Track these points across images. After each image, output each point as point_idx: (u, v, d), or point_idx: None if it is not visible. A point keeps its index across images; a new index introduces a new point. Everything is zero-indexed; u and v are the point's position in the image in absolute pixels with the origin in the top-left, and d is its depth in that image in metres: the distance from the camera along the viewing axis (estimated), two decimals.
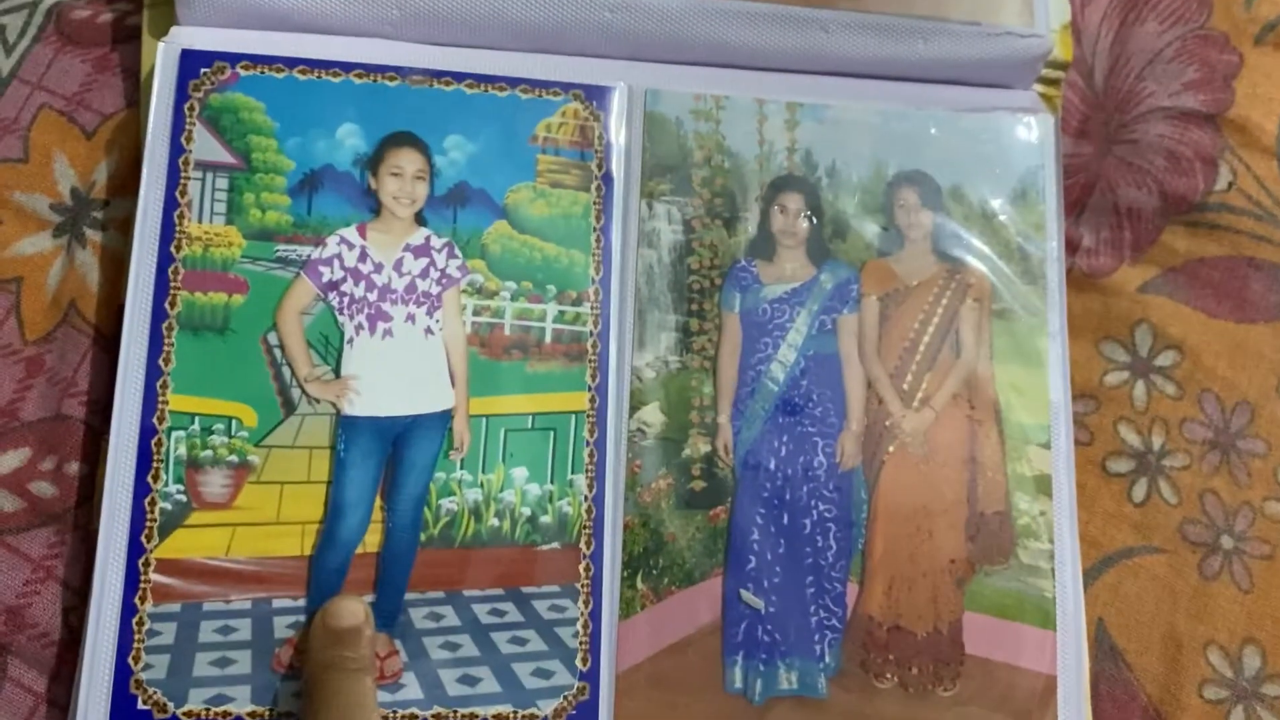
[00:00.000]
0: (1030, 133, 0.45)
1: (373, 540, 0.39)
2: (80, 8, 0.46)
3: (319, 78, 0.41)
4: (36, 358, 0.42)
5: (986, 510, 0.42)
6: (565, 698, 0.39)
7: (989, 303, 0.44)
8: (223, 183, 0.40)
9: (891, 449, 0.42)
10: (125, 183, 0.43)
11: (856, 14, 0.44)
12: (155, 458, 0.38)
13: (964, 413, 0.43)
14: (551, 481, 0.40)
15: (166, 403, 0.39)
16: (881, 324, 0.43)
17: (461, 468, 0.40)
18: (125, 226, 0.43)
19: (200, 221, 0.40)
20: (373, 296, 0.40)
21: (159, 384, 0.39)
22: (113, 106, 0.44)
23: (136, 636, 0.37)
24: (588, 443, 0.41)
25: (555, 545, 0.40)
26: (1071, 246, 0.48)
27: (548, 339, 0.41)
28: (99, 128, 0.44)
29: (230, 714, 0.37)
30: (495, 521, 0.40)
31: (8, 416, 0.41)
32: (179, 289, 0.39)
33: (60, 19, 0.45)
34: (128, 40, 0.45)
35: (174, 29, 0.42)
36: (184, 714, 0.37)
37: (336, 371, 0.40)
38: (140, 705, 0.37)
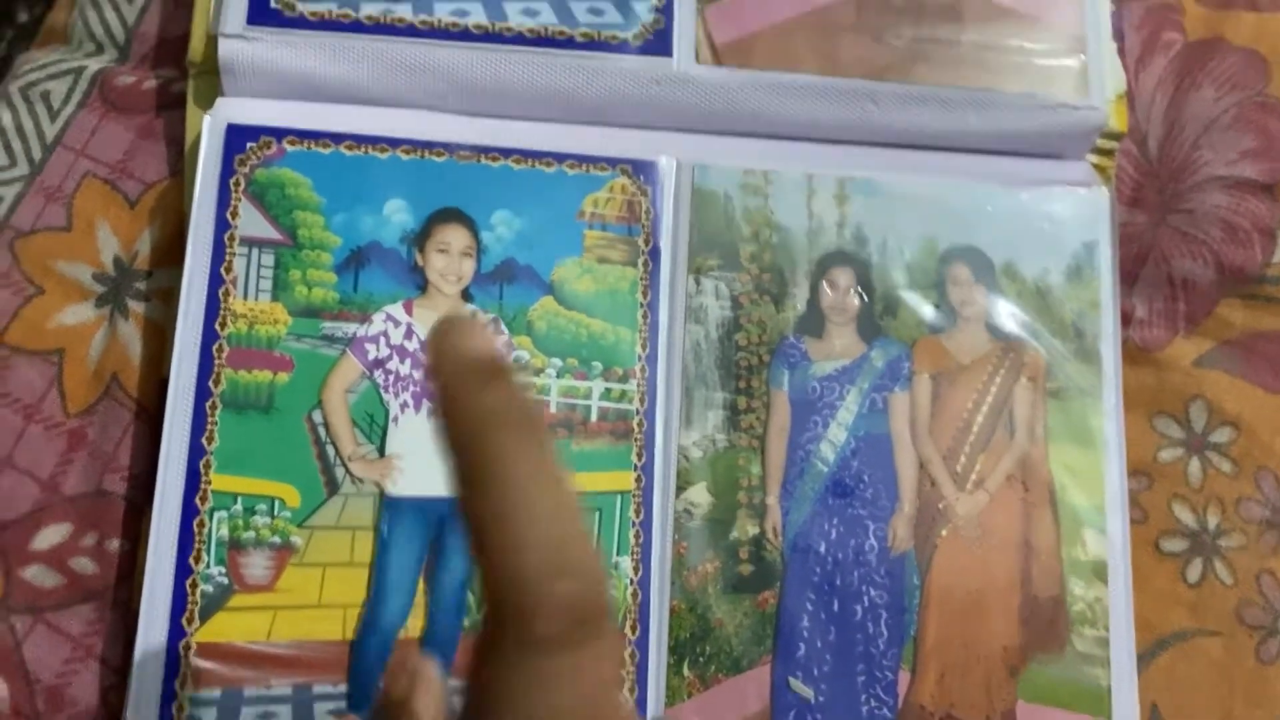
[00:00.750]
0: (1085, 208, 0.44)
1: (415, 625, 0.38)
2: (125, 74, 0.46)
3: (366, 153, 0.41)
4: (78, 431, 0.41)
5: (1041, 596, 0.41)
6: None
7: (1043, 382, 0.43)
8: (268, 259, 0.40)
9: (944, 533, 0.41)
10: (169, 253, 0.43)
11: (906, 86, 0.44)
12: (197, 539, 0.38)
13: (1018, 495, 0.42)
14: None
15: (209, 483, 0.38)
16: (934, 403, 0.42)
17: None
18: (168, 297, 0.42)
19: (245, 298, 0.40)
20: (418, 374, 0.40)
21: (202, 463, 0.38)
22: (156, 174, 0.44)
23: None
24: (633, 524, 0.40)
25: None
26: (1124, 318, 0.47)
27: (593, 417, 0.41)
28: (142, 196, 0.44)
29: None
30: None
31: (49, 491, 0.41)
32: (223, 367, 0.39)
33: (105, 85, 0.45)
34: (172, 107, 0.45)
35: (219, 101, 0.42)
36: None
37: (381, 450, 0.39)
38: None
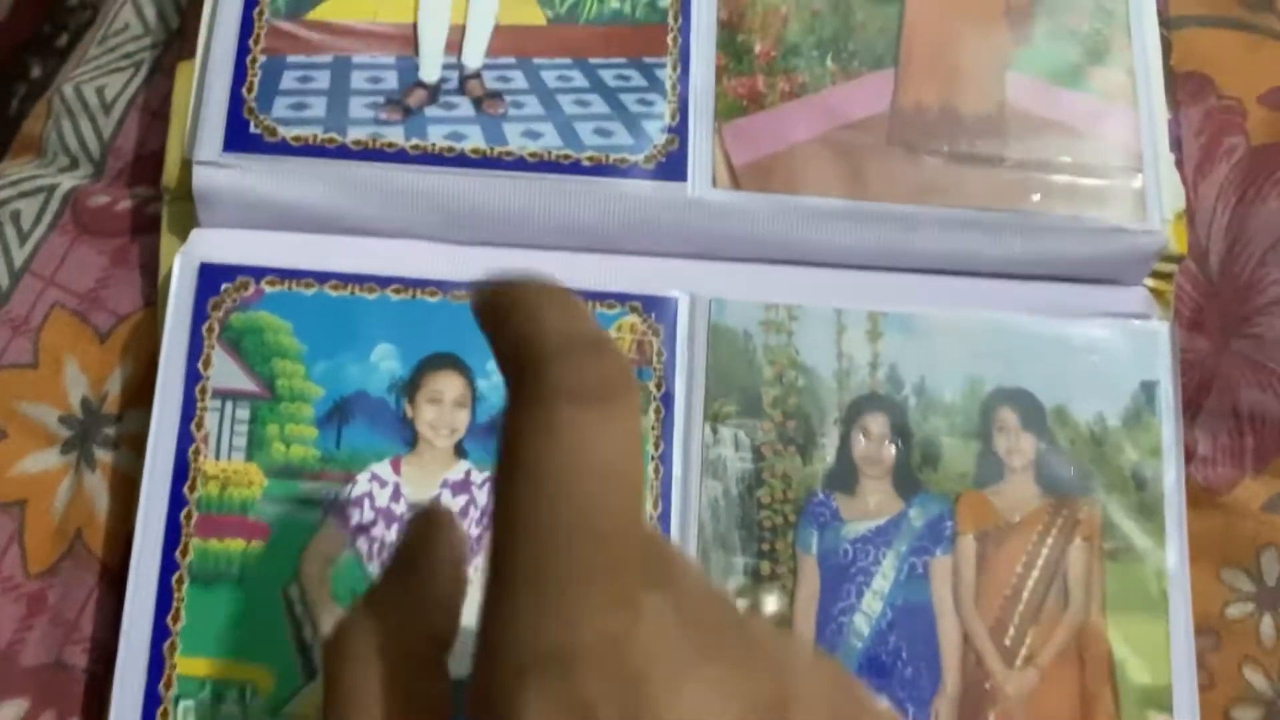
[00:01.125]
0: (1144, 342, 0.40)
1: None
2: (99, 193, 0.42)
3: (353, 293, 0.37)
4: (39, 594, 0.38)
5: None
6: None
7: (1099, 541, 0.38)
8: (243, 413, 0.36)
9: (992, 716, 0.37)
10: (140, 392, 0.40)
11: (945, 210, 0.40)
12: None
13: (1073, 673, 0.37)
14: None
15: (174, 667, 0.35)
16: (979, 567, 0.38)
17: None
18: (138, 444, 0.39)
19: (218, 458, 0.36)
20: None
21: (166, 646, 0.35)
22: (129, 306, 0.41)
23: None
24: None
25: None
26: (1186, 455, 0.42)
27: None
28: (114, 329, 0.41)
29: None
30: None
31: (6, 662, 0.37)
32: (191, 536, 0.35)
33: (77, 205, 0.42)
34: (147, 231, 0.42)
35: (192, 235, 0.38)
36: None
37: None
38: None
